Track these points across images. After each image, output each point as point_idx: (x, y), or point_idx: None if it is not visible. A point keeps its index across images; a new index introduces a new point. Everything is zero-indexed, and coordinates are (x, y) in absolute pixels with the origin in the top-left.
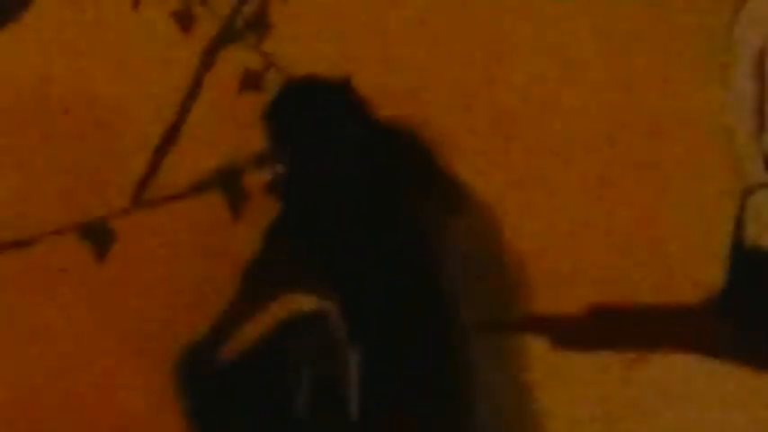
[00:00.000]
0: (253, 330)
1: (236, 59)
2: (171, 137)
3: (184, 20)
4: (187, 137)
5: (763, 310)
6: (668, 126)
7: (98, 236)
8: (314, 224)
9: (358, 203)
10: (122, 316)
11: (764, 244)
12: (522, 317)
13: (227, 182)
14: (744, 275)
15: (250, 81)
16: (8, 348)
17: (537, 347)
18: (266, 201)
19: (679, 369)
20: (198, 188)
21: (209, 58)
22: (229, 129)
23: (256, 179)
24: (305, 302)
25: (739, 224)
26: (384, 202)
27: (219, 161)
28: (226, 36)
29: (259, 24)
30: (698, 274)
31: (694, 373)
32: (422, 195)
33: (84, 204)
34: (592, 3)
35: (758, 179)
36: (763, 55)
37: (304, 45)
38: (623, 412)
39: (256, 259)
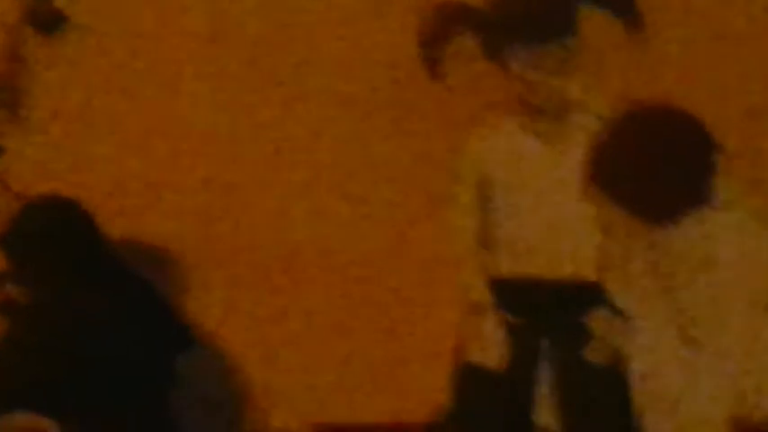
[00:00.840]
0: None
1: None
2: None
3: None
4: None
5: (488, 428)
6: (401, 248)
7: None
8: (44, 345)
9: (90, 328)
10: None
11: (488, 363)
12: None
13: None
14: (469, 394)
15: None
16: None
17: None
18: None
19: None
20: None
21: None
22: None
23: None
24: (23, 421)
25: (464, 344)
26: (114, 332)
27: None
28: None
29: None
30: (424, 393)
31: None
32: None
33: None
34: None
35: (481, 299)
36: (483, 185)
37: (36, 168)
38: None
39: None
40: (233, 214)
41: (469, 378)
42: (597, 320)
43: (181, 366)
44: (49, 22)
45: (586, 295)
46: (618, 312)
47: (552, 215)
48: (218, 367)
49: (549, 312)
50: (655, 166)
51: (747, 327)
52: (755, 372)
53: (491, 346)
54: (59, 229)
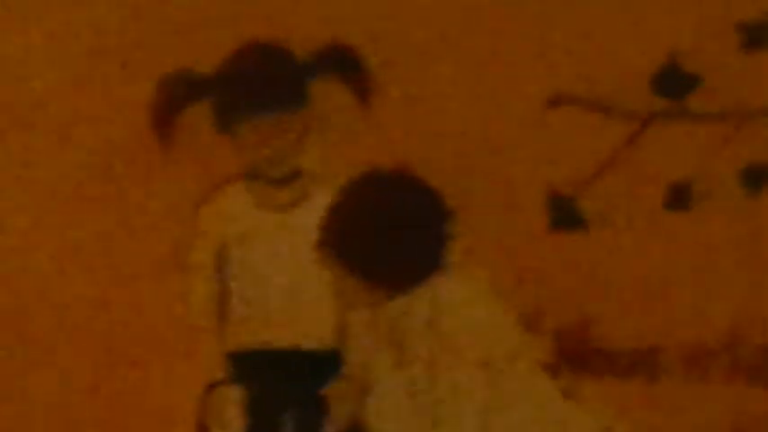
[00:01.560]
0: None
1: None
2: None
3: None
4: None
5: None
6: (134, 319)
7: None
8: None
9: None
10: None
11: None
12: None
13: None
14: None
15: None
16: None
17: None
18: None
19: None
20: None
21: None
22: None
23: None
24: None
25: (202, 419)
26: None
27: None
28: None
29: None
30: None
31: None
32: None
33: None
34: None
35: (219, 372)
36: (218, 257)
37: None
38: None
39: None
40: None
41: None
42: (336, 391)
43: None
44: None
45: (326, 365)
46: (357, 382)
47: (289, 284)
48: None
49: (289, 384)
50: (385, 233)
51: (482, 398)
52: None
53: (229, 421)
54: None
